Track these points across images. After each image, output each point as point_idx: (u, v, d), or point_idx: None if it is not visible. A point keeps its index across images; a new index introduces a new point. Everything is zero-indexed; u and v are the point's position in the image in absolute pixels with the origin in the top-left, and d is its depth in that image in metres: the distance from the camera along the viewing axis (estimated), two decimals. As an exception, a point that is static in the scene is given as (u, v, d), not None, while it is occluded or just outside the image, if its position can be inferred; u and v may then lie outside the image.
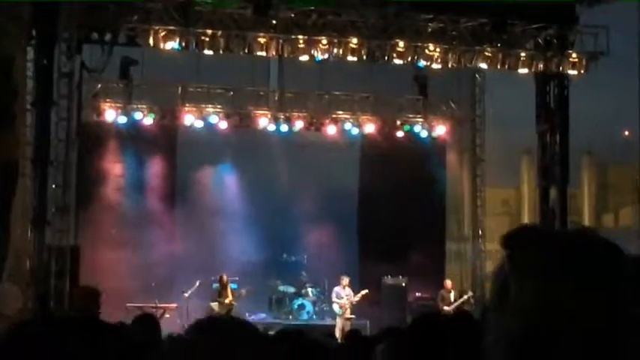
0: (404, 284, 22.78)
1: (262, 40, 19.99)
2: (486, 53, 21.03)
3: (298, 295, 22.43)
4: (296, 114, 23.88)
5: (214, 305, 20.55)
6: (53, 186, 18.91)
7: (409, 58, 20.79)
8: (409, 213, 23.31)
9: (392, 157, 23.98)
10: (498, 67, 21.31)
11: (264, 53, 20.30)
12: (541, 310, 1.41)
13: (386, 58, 20.71)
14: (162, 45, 19.67)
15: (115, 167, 23.28)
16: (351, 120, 24.19)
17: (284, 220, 22.96)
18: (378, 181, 23.78)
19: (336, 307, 21.05)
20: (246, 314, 21.64)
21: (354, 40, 20.42)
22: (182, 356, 1.98)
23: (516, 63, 21.14)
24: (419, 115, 24.71)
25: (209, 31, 19.77)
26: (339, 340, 17.97)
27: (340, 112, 24.22)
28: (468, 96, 25.62)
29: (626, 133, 33.98)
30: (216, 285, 21.04)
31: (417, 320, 3.61)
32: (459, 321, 3.38)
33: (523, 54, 21.22)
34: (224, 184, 24.01)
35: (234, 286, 21.15)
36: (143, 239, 22.33)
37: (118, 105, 22.85)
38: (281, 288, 22.55)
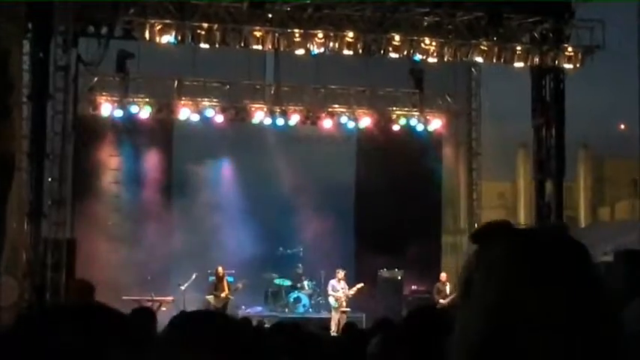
0: (400, 277, 22.82)
1: (258, 34, 19.99)
2: (482, 47, 21.04)
3: (294, 288, 22.48)
4: (292, 108, 23.88)
5: (210, 298, 20.59)
6: (49, 179, 18.91)
7: (405, 52, 20.80)
8: (405, 206, 23.33)
9: (388, 150, 24.00)
10: (494, 60, 21.32)
11: (260, 47, 20.29)
12: (503, 310, 1.39)
13: (382, 51, 20.72)
14: (158, 38, 19.66)
15: (111, 160, 23.30)
16: (347, 114, 24.20)
17: (280, 213, 22.98)
18: (375, 174, 23.80)
19: (331, 300, 21.09)
20: (242, 307, 21.71)
21: (350, 34, 20.42)
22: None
23: (512, 57, 21.14)
24: (415, 109, 24.73)
25: (205, 25, 19.75)
26: (335, 333, 18.05)
27: (336, 106, 24.23)
28: (464, 90, 25.64)
29: (622, 126, 34.07)
30: (212, 278, 21.08)
31: (412, 313, 3.64)
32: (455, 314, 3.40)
33: (519, 48, 21.23)
34: (220, 177, 24.04)
35: (230, 279, 21.18)
36: (139, 232, 22.36)
37: (114, 98, 22.84)
38: (277, 281, 22.59)
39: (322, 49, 20.40)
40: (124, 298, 17.98)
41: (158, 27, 19.61)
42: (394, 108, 24.66)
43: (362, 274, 22.29)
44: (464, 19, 21.06)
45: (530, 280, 1.40)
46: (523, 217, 35.42)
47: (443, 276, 22.07)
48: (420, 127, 24.74)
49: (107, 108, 22.79)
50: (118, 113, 22.90)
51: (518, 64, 21.33)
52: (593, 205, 40.45)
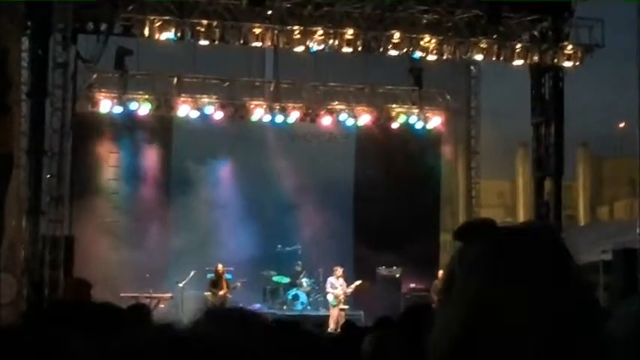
0: (398, 275, 22.82)
1: (258, 31, 19.98)
2: (481, 45, 21.03)
3: (293, 285, 22.47)
4: (291, 105, 23.86)
5: (208, 295, 20.58)
6: (48, 176, 18.88)
7: (404, 50, 20.80)
8: (404, 204, 23.34)
9: (387, 148, 23.99)
10: (493, 59, 21.32)
11: (259, 44, 20.30)
12: (480, 307, 1.39)
13: (381, 49, 20.72)
14: (157, 35, 19.65)
15: (109, 157, 23.28)
16: (346, 111, 24.18)
17: (279, 210, 22.98)
18: (373, 172, 23.80)
19: (330, 298, 21.08)
20: (241, 304, 21.68)
21: (350, 31, 20.42)
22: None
23: (511, 55, 21.14)
24: (414, 107, 24.71)
25: (204, 22, 19.75)
26: (334, 331, 18.04)
27: (335, 103, 24.22)
28: (463, 88, 25.66)
29: (621, 125, 34.04)
30: (210, 275, 21.07)
31: (408, 311, 3.63)
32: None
33: (518, 46, 21.23)
34: (219, 174, 24.01)
35: (229, 276, 21.18)
36: (138, 229, 22.37)
37: (113, 95, 22.82)
38: (275, 278, 22.57)
39: (321, 47, 20.40)
40: (122, 295, 17.99)
41: (157, 24, 19.60)
42: (393, 105, 24.64)
43: (360, 271, 22.29)
44: (463, 17, 21.06)
45: (504, 279, 1.40)
46: (522, 216, 35.47)
47: (441, 274, 22.04)
48: (419, 125, 24.72)
49: (106, 105, 22.77)
50: (117, 110, 22.88)
51: (518, 63, 21.34)
52: (592, 204, 40.50)
